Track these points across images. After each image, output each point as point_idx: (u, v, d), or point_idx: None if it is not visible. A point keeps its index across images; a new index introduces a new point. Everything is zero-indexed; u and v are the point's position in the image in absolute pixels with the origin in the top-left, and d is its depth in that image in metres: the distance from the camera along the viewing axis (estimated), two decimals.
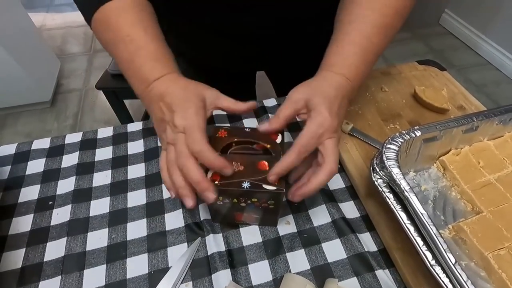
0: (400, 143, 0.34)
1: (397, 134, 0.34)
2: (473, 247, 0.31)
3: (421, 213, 0.28)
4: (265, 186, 0.29)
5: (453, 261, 0.26)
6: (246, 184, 0.30)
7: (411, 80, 0.54)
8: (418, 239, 0.29)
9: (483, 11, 1.72)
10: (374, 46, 0.35)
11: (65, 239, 0.36)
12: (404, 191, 0.30)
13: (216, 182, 0.30)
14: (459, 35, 1.90)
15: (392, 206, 0.31)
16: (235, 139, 0.33)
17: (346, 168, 0.42)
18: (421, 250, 0.28)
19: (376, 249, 0.36)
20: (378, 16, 0.35)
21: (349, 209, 0.39)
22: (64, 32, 2.02)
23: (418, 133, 0.35)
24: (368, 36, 0.34)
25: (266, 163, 0.31)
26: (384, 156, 0.32)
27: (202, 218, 0.37)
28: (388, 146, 0.33)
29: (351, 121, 0.46)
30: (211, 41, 0.51)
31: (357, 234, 0.36)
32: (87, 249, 0.35)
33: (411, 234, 0.29)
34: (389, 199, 0.32)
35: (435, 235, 0.27)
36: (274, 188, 0.30)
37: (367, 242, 0.36)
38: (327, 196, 0.39)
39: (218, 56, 0.55)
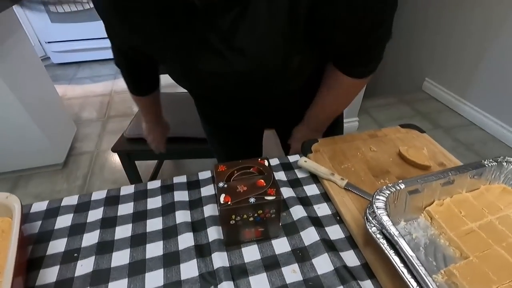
0: (387, 194, 0.39)
1: (384, 187, 0.40)
2: None
3: (411, 256, 0.32)
4: (266, 197, 0.38)
5: None
6: (252, 199, 0.38)
7: (395, 141, 0.62)
8: (412, 281, 0.32)
9: (460, 78, 1.93)
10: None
11: None
12: (394, 236, 0.34)
13: (229, 203, 0.37)
14: (441, 99, 2.09)
15: (386, 251, 0.35)
16: (235, 168, 0.42)
17: (344, 219, 0.47)
18: None
19: None
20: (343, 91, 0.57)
21: (350, 258, 0.42)
22: (83, 101, 2.22)
23: (402, 186, 0.41)
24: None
25: (262, 181, 0.40)
26: (374, 206, 0.38)
27: (215, 267, 0.40)
28: (377, 197, 0.39)
29: (346, 177, 0.52)
30: (221, 107, 0.65)
31: (359, 281, 0.39)
32: None
33: (405, 277, 0.33)
34: (382, 244, 0.36)
35: (424, 275, 0.31)
36: (274, 197, 0.38)
37: None
38: (329, 246, 0.43)
39: (227, 117, 0.69)
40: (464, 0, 1.76)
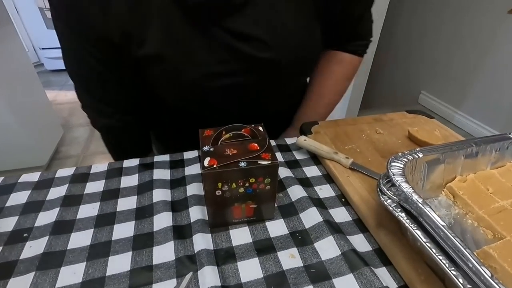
0: (404, 162, 0.33)
1: (400, 154, 0.34)
2: (505, 272, 0.27)
3: (442, 225, 0.26)
4: (260, 162, 0.31)
5: (489, 274, 0.22)
6: (243, 163, 0.31)
7: (402, 125, 0.56)
8: (443, 259, 0.25)
9: (455, 90, 1.93)
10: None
11: (32, 274, 0.31)
12: (418, 203, 0.28)
13: (215, 166, 0.30)
14: (438, 111, 2.07)
15: (407, 225, 0.28)
16: (224, 129, 0.36)
17: (351, 200, 0.40)
18: (449, 270, 0.25)
19: (397, 286, 0.31)
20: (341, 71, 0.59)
21: (360, 243, 0.35)
22: (73, 106, 2.15)
23: (420, 155, 0.35)
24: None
25: (256, 144, 0.33)
26: (390, 172, 0.31)
27: (196, 250, 0.33)
28: (393, 163, 0.32)
29: (351, 157, 0.45)
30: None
31: (372, 268, 0.31)
32: (56, 286, 0.30)
33: (434, 254, 0.26)
34: (402, 217, 0.29)
35: (462, 246, 0.24)
36: (269, 162, 0.31)
37: (385, 278, 0.31)
38: (334, 228, 0.36)
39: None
40: (460, 14, 1.79)
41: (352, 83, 1.03)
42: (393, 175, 0.31)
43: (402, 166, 0.32)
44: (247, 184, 0.33)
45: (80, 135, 1.82)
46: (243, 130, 0.36)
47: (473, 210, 0.34)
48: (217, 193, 0.33)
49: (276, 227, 0.36)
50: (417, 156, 0.34)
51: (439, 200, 0.37)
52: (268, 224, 0.37)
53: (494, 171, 0.39)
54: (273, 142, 0.52)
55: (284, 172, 0.45)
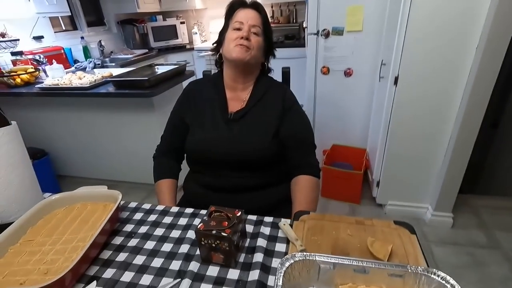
0: (293, 261, 0.53)
1: (298, 254, 0.54)
2: None
3: None
4: (222, 233, 0.59)
5: None
6: (214, 231, 0.60)
7: (376, 233, 0.68)
8: None
9: None
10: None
11: None
12: None
13: (201, 229, 0.61)
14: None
15: None
16: (214, 209, 0.66)
17: None
18: None
19: None
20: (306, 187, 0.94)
21: None
22: None
23: (316, 258, 0.53)
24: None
25: (226, 223, 0.61)
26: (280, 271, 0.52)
27: (188, 269, 0.64)
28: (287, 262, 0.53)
29: (309, 247, 0.64)
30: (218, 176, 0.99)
31: None
32: None
33: None
34: None
35: None
36: (226, 235, 0.59)
37: None
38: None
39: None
40: None
41: None
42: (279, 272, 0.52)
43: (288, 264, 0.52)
44: (217, 242, 0.61)
45: None
46: (223, 213, 0.65)
47: None
48: (202, 243, 0.63)
49: (232, 273, 0.62)
50: (313, 259, 0.53)
51: None
52: (231, 270, 0.63)
53: None
54: (270, 219, 0.77)
55: (261, 242, 0.69)
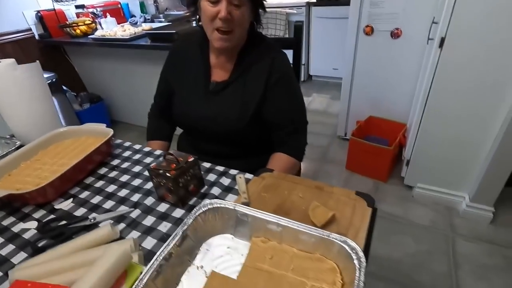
0: (211, 206, 0.54)
1: (216, 201, 0.55)
2: None
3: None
4: (167, 173, 0.63)
5: None
6: (161, 171, 0.64)
7: (330, 200, 0.64)
8: None
9: None
10: None
11: None
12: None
13: (151, 167, 0.66)
14: None
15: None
16: (168, 152, 0.69)
17: None
18: None
19: None
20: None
21: None
22: None
23: (233, 207, 0.53)
24: None
25: (173, 165, 0.65)
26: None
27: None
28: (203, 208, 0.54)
29: (255, 202, 0.64)
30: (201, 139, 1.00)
31: None
32: None
33: None
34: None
35: None
36: (169, 175, 0.62)
37: None
38: None
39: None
40: None
41: None
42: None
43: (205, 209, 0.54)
44: (164, 181, 0.65)
45: None
46: (174, 155, 0.68)
47: (247, 259, 0.50)
48: (153, 181, 0.67)
49: (177, 212, 0.67)
50: (232, 207, 0.53)
51: (245, 243, 0.53)
52: (177, 209, 0.67)
53: (297, 251, 0.49)
54: (234, 171, 0.78)
55: (215, 190, 0.72)
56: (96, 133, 0.96)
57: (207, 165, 0.83)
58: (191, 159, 0.68)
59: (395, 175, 1.89)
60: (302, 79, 3.49)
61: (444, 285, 1.28)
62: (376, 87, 1.98)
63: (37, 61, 0.97)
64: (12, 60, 0.91)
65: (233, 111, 0.88)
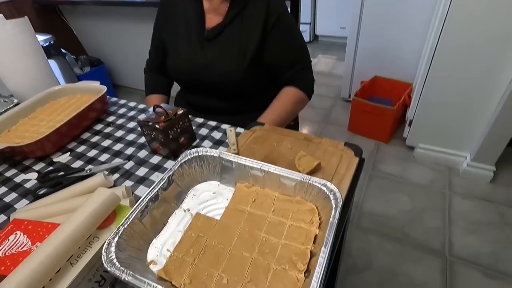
0: (202, 153, 0.55)
1: (205, 149, 0.55)
2: None
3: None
4: (156, 125, 0.64)
5: None
6: (150, 123, 0.65)
7: (318, 150, 0.64)
8: None
9: None
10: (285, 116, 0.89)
11: None
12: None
13: (142, 120, 0.67)
14: None
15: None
16: (157, 105, 0.69)
17: None
18: None
19: None
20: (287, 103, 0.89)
21: None
22: None
23: (218, 155, 0.54)
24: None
25: (163, 117, 0.65)
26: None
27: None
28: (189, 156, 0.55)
29: (244, 153, 0.65)
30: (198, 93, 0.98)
31: None
32: None
33: None
34: None
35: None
36: (158, 126, 0.63)
37: None
38: None
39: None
40: None
41: None
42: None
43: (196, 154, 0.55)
44: (154, 133, 0.66)
45: None
46: (163, 108, 0.68)
47: (230, 203, 0.51)
48: (144, 133, 0.69)
49: (169, 163, 0.68)
50: (217, 155, 0.54)
51: (231, 189, 0.55)
52: (169, 161, 0.69)
53: (279, 194, 0.50)
54: (226, 126, 0.78)
55: (206, 143, 0.73)
56: (91, 91, 0.96)
57: (199, 120, 0.83)
58: (180, 112, 0.68)
59: (398, 136, 1.88)
60: (307, 39, 3.34)
61: (436, 239, 1.33)
62: (383, 45, 1.89)
63: (26, 16, 0.95)
64: (0, 15, 0.89)
65: (230, 56, 0.84)
